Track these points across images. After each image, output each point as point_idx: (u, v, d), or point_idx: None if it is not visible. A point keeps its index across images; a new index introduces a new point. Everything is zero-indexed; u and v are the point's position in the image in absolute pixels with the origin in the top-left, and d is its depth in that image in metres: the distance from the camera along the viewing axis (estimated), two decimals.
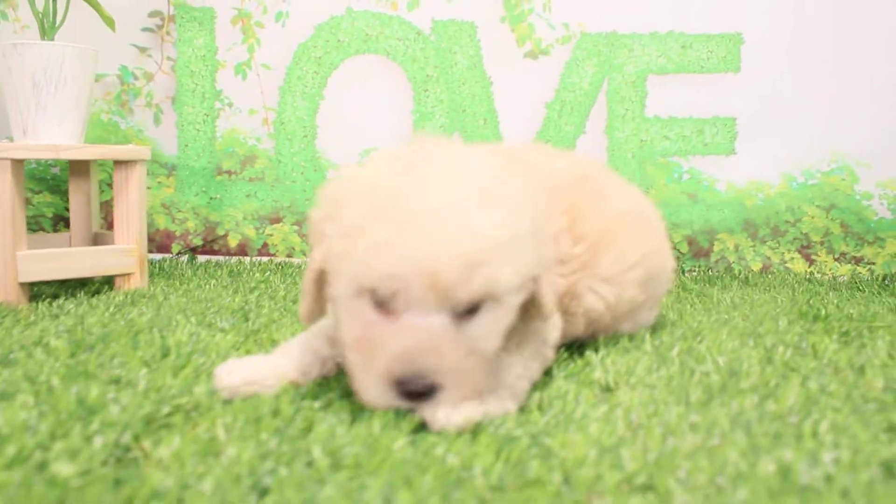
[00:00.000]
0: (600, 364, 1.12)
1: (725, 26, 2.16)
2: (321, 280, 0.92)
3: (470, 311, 0.85)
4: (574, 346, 1.23)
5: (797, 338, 1.31)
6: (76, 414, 0.82)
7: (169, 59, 2.16)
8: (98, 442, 0.74)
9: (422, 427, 0.83)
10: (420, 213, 0.81)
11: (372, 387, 0.84)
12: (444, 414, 0.83)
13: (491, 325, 0.88)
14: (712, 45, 2.16)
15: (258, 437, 0.78)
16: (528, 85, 2.18)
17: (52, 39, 1.69)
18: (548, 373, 1.09)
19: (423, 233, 0.80)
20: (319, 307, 0.96)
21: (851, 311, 1.60)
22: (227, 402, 0.89)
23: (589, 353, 1.17)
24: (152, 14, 2.13)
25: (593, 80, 2.17)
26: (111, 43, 2.03)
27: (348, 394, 0.94)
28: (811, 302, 1.72)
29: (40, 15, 1.68)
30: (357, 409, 0.87)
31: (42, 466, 0.69)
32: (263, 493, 0.66)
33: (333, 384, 0.98)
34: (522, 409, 0.92)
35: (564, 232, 1.13)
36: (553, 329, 1.09)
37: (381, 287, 0.82)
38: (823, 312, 1.55)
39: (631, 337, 1.27)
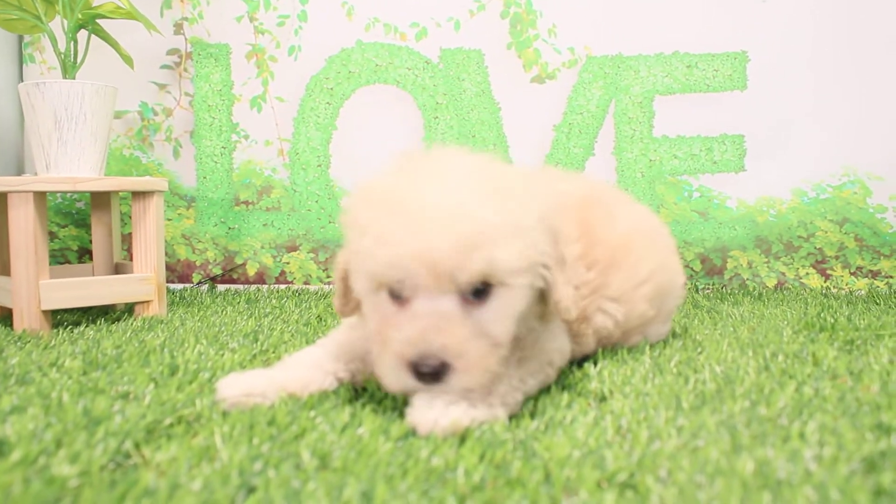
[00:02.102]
0: (597, 375, 1.13)
1: (730, 45, 2.18)
2: (347, 279, 0.99)
3: (480, 296, 0.90)
4: (574, 360, 1.25)
5: (799, 347, 1.32)
6: (81, 424, 0.86)
7: (187, 94, 2.23)
8: (100, 449, 0.78)
9: (411, 433, 0.86)
10: (419, 204, 0.87)
11: (389, 371, 0.89)
12: (433, 417, 0.86)
13: (501, 310, 0.91)
14: (717, 64, 2.18)
15: (251, 443, 0.81)
16: (536, 109, 2.22)
17: (74, 78, 1.76)
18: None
19: (421, 222, 0.85)
20: (350, 304, 1.03)
21: (861, 322, 1.60)
22: (227, 413, 0.92)
23: (587, 365, 1.19)
24: (170, 52, 2.21)
25: (600, 102, 2.21)
26: (132, 81, 2.12)
27: (347, 401, 0.97)
28: (821, 314, 1.72)
29: (62, 55, 1.76)
30: (349, 417, 0.90)
31: (44, 469, 0.72)
32: (250, 491, 0.69)
33: (332, 396, 1.01)
34: (513, 418, 0.94)
35: (578, 259, 1.16)
36: (559, 352, 1.12)
37: (387, 276, 0.88)
38: (831, 323, 1.55)
39: (630, 349, 1.29)
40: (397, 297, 0.90)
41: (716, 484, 0.71)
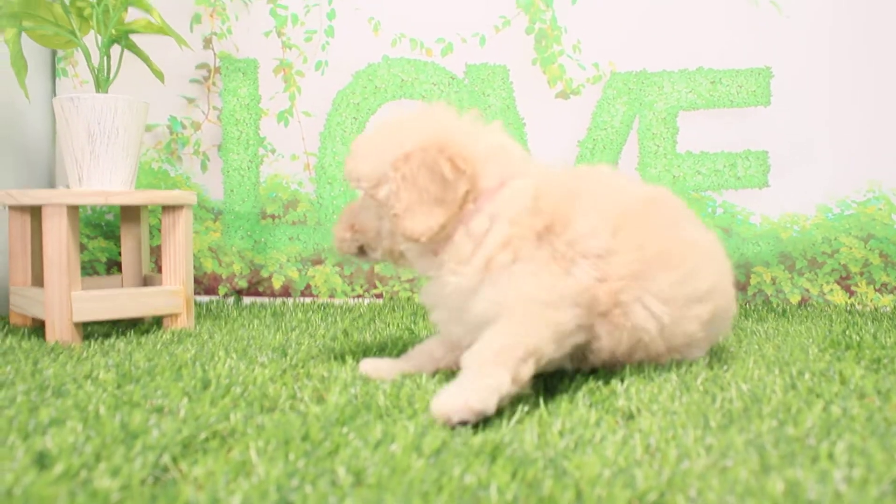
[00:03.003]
0: (624, 393, 1.14)
1: (754, 61, 2.19)
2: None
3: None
4: (601, 375, 1.26)
5: (825, 365, 1.32)
6: (119, 438, 0.87)
7: (215, 108, 2.26)
8: (138, 462, 0.80)
9: (441, 448, 0.87)
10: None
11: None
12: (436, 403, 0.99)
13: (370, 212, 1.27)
14: (741, 80, 2.19)
15: (287, 458, 0.82)
16: (561, 124, 2.23)
17: (106, 92, 1.79)
18: (571, 400, 1.11)
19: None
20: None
21: (888, 340, 1.60)
22: (262, 427, 0.94)
23: (614, 382, 1.20)
24: (199, 66, 2.25)
25: (624, 118, 2.21)
26: (161, 95, 2.15)
27: (379, 417, 0.99)
28: (846, 332, 1.71)
29: (95, 70, 1.79)
30: (381, 434, 0.92)
31: (86, 483, 0.74)
32: None
33: (364, 412, 1.02)
34: (542, 433, 0.95)
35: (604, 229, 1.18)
36: (545, 289, 1.11)
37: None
38: (857, 341, 1.55)
39: (656, 366, 1.29)
40: None
41: None
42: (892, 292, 2.20)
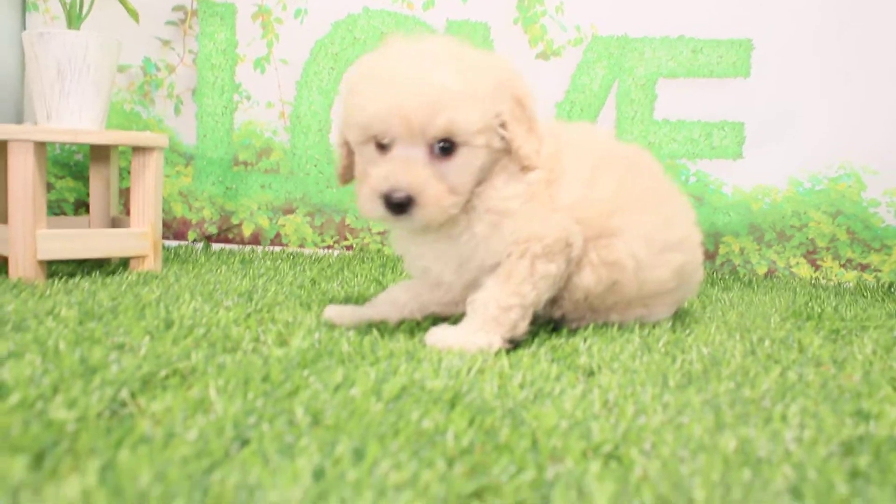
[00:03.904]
0: (587, 351, 1.15)
1: (736, 32, 2.18)
2: (347, 145, 1.22)
3: (446, 153, 1.11)
4: (564, 334, 1.27)
5: (785, 333, 1.34)
6: (78, 372, 0.87)
7: (190, 52, 2.22)
8: (96, 396, 0.79)
9: (401, 394, 0.88)
10: (397, 73, 1.10)
11: (366, 201, 1.12)
12: (440, 336, 1.16)
13: (461, 164, 1.13)
14: (722, 51, 2.19)
15: (245, 397, 0.82)
16: (540, 85, 2.21)
17: (78, 29, 1.75)
18: (534, 356, 1.12)
19: (398, 85, 1.09)
20: (349, 171, 1.27)
21: (848, 313, 1.63)
22: (222, 367, 0.94)
23: (576, 340, 1.21)
24: (176, 8, 2.20)
25: (603, 82, 2.21)
26: (136, 35, 2.11)
27: (341, 362, 0.99)
28: (809, 304, 1.74)
29: (67, 5, 1.75)
30: (342, 378, 0.92)
31: (41, 413, 0.74)
32: (244, 443, 0.71)
33: (326, 357, 1.02)
34: (502, 385, 0.96)
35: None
36: (537, 238, 1.17)
37: (373, 126, 1.11)
38: (818, 312, 1.58)
39: (620, 326, 1.31)
40: (382, 147, 1.12)
41: (698, 459, 0.73)
42: (856, 268, 2.23)
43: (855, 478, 0.71)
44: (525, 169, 1.18)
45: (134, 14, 1.87)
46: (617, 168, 1.29)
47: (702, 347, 1.20)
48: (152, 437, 0.70)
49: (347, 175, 1.27)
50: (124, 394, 0.82)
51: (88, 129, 1.70)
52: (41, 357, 0.93)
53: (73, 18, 1.76)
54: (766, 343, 1.26)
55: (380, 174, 1.10)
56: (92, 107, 1.73)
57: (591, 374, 1.06)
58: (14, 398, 0.76)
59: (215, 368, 0.93)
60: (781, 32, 2.18)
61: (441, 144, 1.11)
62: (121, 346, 1.01)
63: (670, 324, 1.38)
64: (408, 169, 1.09)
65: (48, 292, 1.41)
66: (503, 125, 1.14)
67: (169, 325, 1.14)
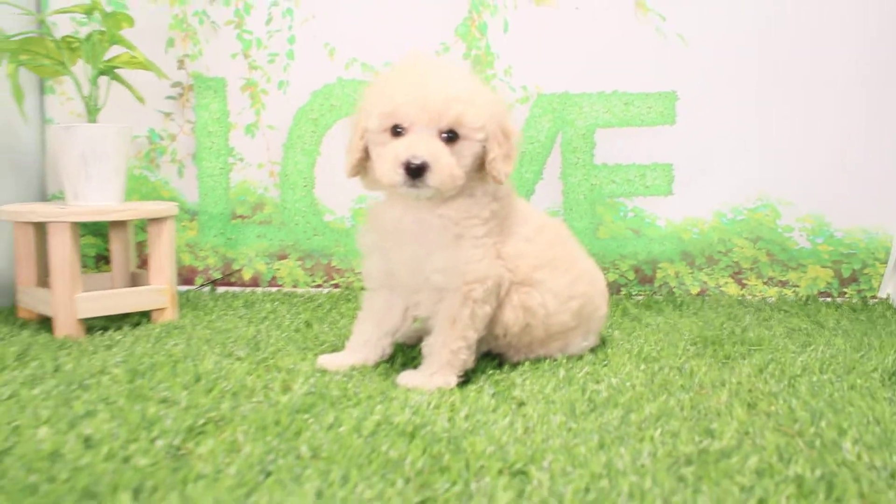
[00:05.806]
0: (521, 384, 1.49)
1: (662, 86, 2.52)
2: (363, 135, 1.47)
3: (450, 142, 1.41)
4: (507, 369, 1.61)
5: (683, 361, 1.69)
6: (141, 425, 1.20)
7: (189, 121, 2.55)
8: (159, 444, 1.13)
9: (375, 430, 1.22)
10: (422, 74, 1.42)
11: (388, 169, 1.39)
12: (408, 378, 1.49)
13: (462, 152, 1.43)
14: (651, 102, 2.53)
15: (265, 439, 1.16)
16: None
17: (96, 120, 2.08)
18: (480, 391, 1.46)
19: (423, 83, 1.39)
20: (361, 163, 1.51)
21: (751, 334, 1.96)
22: (245, 415, 1.27)
23: (514, 374, 1.55)
24: (174, 85, 2.53)
25: (549, 133, 2.55)
26: (141, 110, 2.43)
27: (331, 405, 1.33)
28: (724, 325, 2.09)
29: (86, 99, 2.08)
30: (334, 419, 1.26)
31: (127, 459, 1.07)
32: (268, 475, 1.04)
33: (320, 402, 1.36)
34: (451, 417, 1.29)
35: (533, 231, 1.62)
36: (478, 281, 1.50)
37: (397, 112, 1.39)
38: (727, 334, 1.92)
39: (550, 362, 1.65)
40: (397, 134, 1.40)
41: (576, 473, 1.07)
42: (776, 285, 2.58)
43: (680, 482, 1.06)
44: (494, 180, 1.47)
45: (140, 99, 2.20)
46: (548, 234, 1.65)
47: (612, 378, 1.54)
48: (205, 473, 1.03)
49: (359, 168, 1.51)
50: (177, 440, 1.16)
51: (111, 206, 2.03)
52: (109, 414, 1.26)
53: (92, 110, 2.08)
54: (665, 371, 1.60)
55: (401, 145, 1.37)
56: (113, 185, 2.05)
57: (521, 404, 1.40)
58: (104, 450, 1.10)
59: (239, 417, 1.27)
60: (701, 84, 2.52)
61: (447, 134, 1.40)
62: (166, 401, 1.35)
63: (594, 356, 1.72)
64: (426, 142, 1.37)
65: (91, 348, 1.74)
66: (487, 141, 1.44)
67: (198, 378, 1.47)
